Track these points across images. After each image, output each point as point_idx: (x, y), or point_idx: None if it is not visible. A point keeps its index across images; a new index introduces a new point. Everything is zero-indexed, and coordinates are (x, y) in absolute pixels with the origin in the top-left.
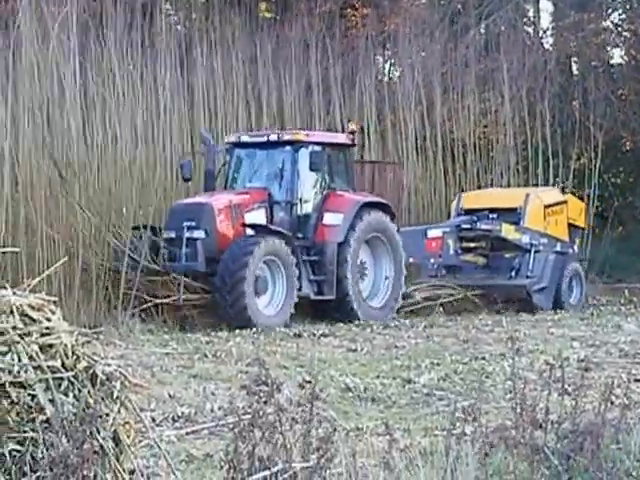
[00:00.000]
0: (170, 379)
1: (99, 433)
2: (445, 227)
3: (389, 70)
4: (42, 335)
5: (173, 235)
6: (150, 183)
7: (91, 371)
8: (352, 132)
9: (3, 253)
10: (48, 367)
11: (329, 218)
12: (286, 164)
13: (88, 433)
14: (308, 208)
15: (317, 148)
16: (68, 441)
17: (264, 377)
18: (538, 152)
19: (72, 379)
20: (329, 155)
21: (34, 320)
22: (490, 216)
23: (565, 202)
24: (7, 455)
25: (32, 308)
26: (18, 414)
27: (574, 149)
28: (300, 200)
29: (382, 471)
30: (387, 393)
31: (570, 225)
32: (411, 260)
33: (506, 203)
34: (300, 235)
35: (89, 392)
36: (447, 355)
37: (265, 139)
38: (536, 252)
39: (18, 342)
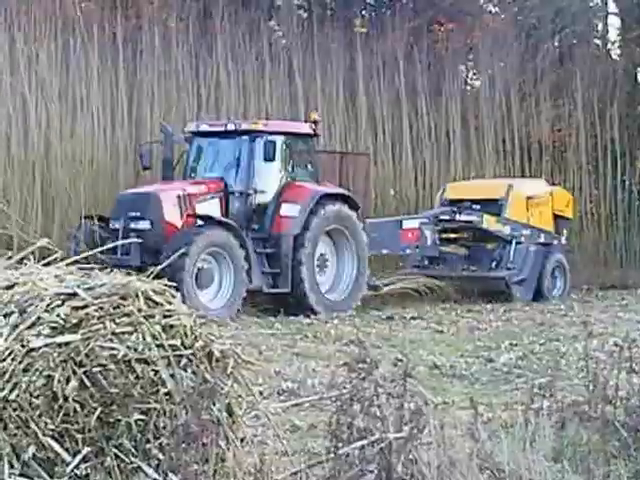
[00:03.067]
0: (275, 357)
1: (214, 405)
2: (422, 218)
3: (472, 80)
4: (164, 317)
5: (118, 225)
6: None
7: (207, 349)
8: (314, 122)
9: None
10: (169, 345)
11: (286, 209)
12: (243, 154)
13: (205, 405)
14: (265, 199)
15: (272, 138)
16: (187, 412)
17: (363, 356)
18: (607, 153)
19: (190, 356)
20: (289, 145)
21: (157, 303)
22: (473, 207)
23: (550, 193)
24: (133, 424)
25: (155, 292)
26: (142, 387)
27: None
28: (256, 190)
29: (467, 441)
30: (470, 371)
31: (556, 216)
32: (385, 252)
33: (488, 194)
34: (256, 226)
35: (205, 368)
36: (524, 337)
37: (223, 128)
38: (518, 243)
39: (143, 323)
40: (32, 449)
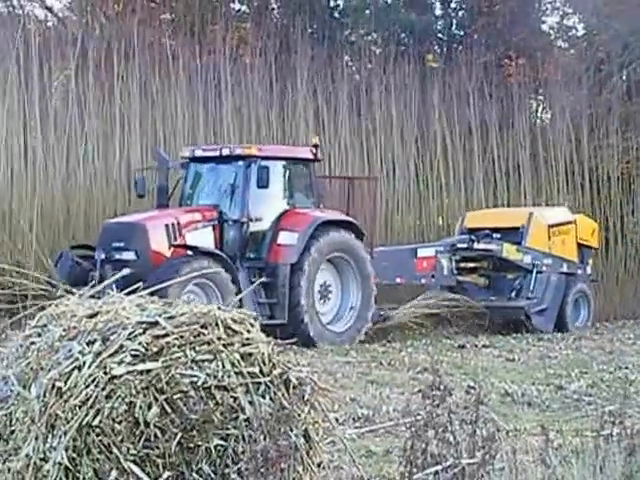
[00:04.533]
0: (351, 384)
1: (292, 431)
2: (438, 246)
3: (541, 113)
4: (243, 345)
5: (103, 256)
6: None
7: (285, 377)
8: (315, 146)
9: None
10: (248, 373)
11: (283, 237)
12: (238, 180)
13: (283, 431)
14: (262, 226)
15: (266, 163)
16: (265, 438)
17: (437, 383)
18: None
19: (268, 383)
20: (287, 170)
21: (236, 332)
22: (493, 235)
23: (573, 222)
24: (212, 449)
25: (234, 321)
26: (222, 413)
27: None
28: (252, 218)
29: (539, 467)
30: (541, 398)
31: (580, 245)
32: (398, 280)
33: (509, 222)
34: (252, 255)
35: (283, 395)
36: (594, 365)
37: (218, 153)
38: (539, 272)
39: (222, 351)
40: (114, 474)
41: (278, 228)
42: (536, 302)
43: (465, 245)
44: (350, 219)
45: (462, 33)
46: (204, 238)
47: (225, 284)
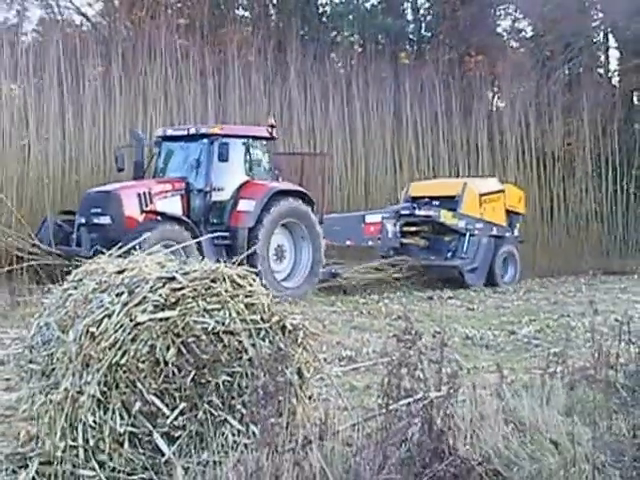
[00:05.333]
0: (336, 330)
1: (287, 369)
2: (384, 213)
3: (496, 102)
4: (246, 296)
5: (83, 220)
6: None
7: (282, 323)
8: (271, 125)
9: None
10: (251, 320)
11: (242, 205)
12: (202, 155)
13: (280, 369)
14: (224, 196)
15: (227, 140)
16: (265, 375)
17: (409, 329)
18: (608, 162)
19: (268, 329)
20: (246, 147)
21: (240, 285)
22: (432, 203)
23: (502, 191)
24: (221, 384)
25: (239, 277)
26: (229, 354)
27: (635, 159)
28: (214, 188)
29: (495, 399)
30: (497, 341)
31: (509, 211)
32: (348, 243)
33: (446, 192)
34: (215, 221)
35: (280, 339)
36: (541, 313)
37: (186, 132)
38: (471, 236)
39: (229, 302)
40: (138, 404)
41: (238, 197)
42: (469, 261)
43: (408, 212)
44: (301, 189)
45: (430, 34)
46: (173, 205)
47: (189, 245)
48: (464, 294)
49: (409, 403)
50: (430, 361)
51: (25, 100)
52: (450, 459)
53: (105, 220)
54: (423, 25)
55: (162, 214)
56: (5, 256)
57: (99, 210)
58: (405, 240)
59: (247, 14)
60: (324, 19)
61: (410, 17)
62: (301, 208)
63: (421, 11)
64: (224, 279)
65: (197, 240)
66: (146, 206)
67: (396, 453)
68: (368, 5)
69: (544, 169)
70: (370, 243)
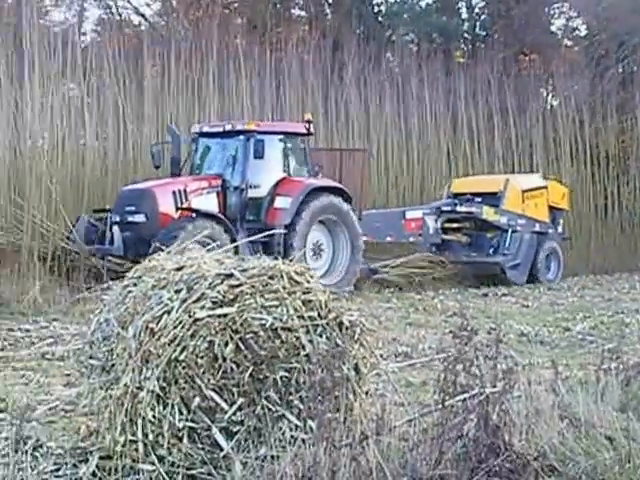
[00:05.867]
0: (392, 326)
1: (344, 365)
2: (425, 209)
3: (550, 100)
4: (304, 293)
5: (117, 219)
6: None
7: (339, 320)
8: (308, 121)
9: None
10: (308, 316)
11: (279, 202)
12: (238, 152)
13: (337, 365)
14: (260, 193)
15: (263, 137)
16: (322, 371)
17: (465, 325)
18: None
19: (325, 325)
20: (284, 143)
21: (298, 282)
22: (474, 199)
23: (545, 187)
24: (278, 380)
25: (297, 273)
26: (286, 350)
27: None
28: (251, 185)
29: (549, 395)
30: (551, 338)
31: (552, 208)
32: (389, 239)
33: (489, 188)
34: (252, 218)
35: (337, 335)
36: (595, 310)
37: (222, 129)
38: (513, 232)
39: (286, 298)
40: (197, 400)
41: (274, 194)
42: (511, 258)
43: (449, 208)
44: (339, 185)
45: (484, 33)
46: (209, 203)
47: (224, 243)
48: (519, 291)
49: (465, 399)
50: (486, 357)
51: (83, 100)
52: (506, 454)
53: (139, 218)
54: (478, 24)
55: (197, 211)
56: (64, 256)
57: (133, 208)
58: (447, 236)
59: (303, 13)
60: (380, 18)
61: (465, 16)
62: (339, 204)
63: (476, 10)
64: (282, 276)
65: (250, 239)
66: (181, 203)
67: (452, 448)
68: (423, 4)
69: (598, 167)
70: (411, 239)
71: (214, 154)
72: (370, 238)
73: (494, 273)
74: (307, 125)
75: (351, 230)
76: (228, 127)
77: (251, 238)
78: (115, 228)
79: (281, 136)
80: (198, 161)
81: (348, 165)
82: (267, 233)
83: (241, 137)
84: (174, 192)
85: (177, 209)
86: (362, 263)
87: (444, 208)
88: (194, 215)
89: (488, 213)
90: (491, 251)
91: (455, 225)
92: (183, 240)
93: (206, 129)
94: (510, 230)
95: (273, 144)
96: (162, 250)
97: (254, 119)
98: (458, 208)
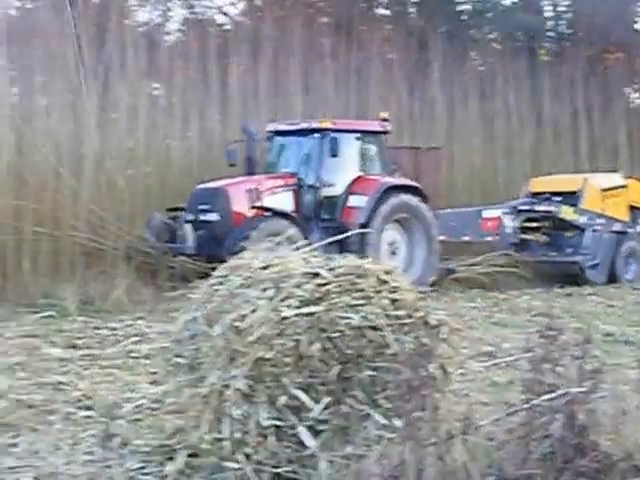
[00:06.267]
0: (477, 325)
1: (430, 364)
2: (503, 208)
3: (635, 98)
4: (391, 292)
5: (190, 217)
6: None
7: (425, 319)
8: (384, 120)
9: None
10: (395, 316)
11: (354, 200)
12: (313, 150)
13: (423, 364)
14: (336, 191)
15: (338, 135)
16: (409, 370)
17: (551, 325)
18: None
19: (411, 325)
20: (359, 142)
21: (385, 281)
22: (553, 198)
23: (625, 186)
24: (365, 379)
25: (384, 272)
26: (373, 349)
27: None
28: (325, 184)
29: (635, 395)
30: (637, 337)
31: (632, 207)
32: (465, 238)
33: (567, 187)
34: (327, 217)
35: (423, 334)
36: None
37: (297, 127)
38: (593, 231)
39: (373, 297)
40: (284, 398)
41: (349, 192)
42: (590, 257)
43: (527, 207)
44: (415, 184)
45: (569, 31)
46: (284, 201)
47: (298, 240)
48: (603, 290)
49: (551, 399)
50: (572, 357)
51: (169, 99)
52: (592, 454)
53: (212, 217)
54: (562, 22)
55: (271, 210)
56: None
57: (207, 207)
58: (525, 236)
59: (387, 12)
60: (463, 17)
61: (549, 14)
62: (414, 203)
63: (560, 8)
64: (369, 275)
65: (340, 237)
66: (255, 202)
67: (538, 448)
68: (507, 2)
69: None
70: (488, 239)
71: (289, 152)
72: (446, 237)
73: (573, 273)
74: (383, 123)
75: (427, 229)
76: (303, 125)
77: (334, 238)
78: (188, 226)
79: (357, 134)
80: (273, 159)
81: (424, 164)
82: (352, 232)
83: (316, 135)
84: (248, 191)
85: (251, 208)
86: (439, 262)
87: (522, 207)
88: (268, 214)
89: (567, 212)
90: (570, 251)
91: (533, 224)
92: (255, 239)
93: (281, 127)
94: (589, 229)
95: (348, 142)
96: (235, 251)
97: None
98: (536, 207)
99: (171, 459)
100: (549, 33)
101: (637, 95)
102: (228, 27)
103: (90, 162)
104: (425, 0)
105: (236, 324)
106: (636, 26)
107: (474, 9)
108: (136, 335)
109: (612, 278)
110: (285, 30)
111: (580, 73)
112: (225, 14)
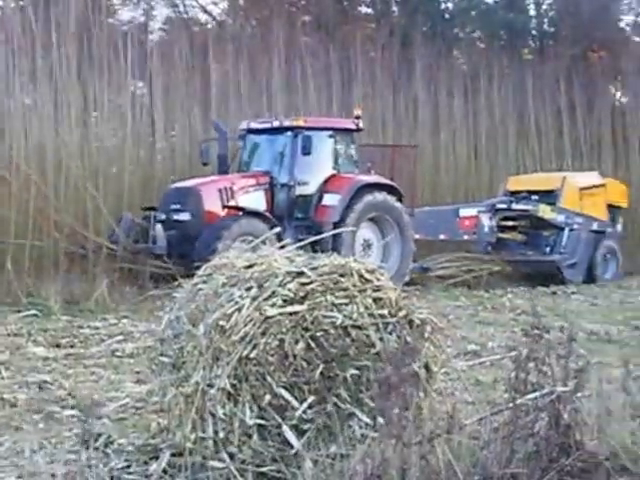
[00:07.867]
0: (461, 324)
1: (414, 363)
2: (480, 207)
3: (619, 97)
4: (374, 291)
5: (162, 217)
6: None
7: (409, 318)
8: (357, 117)
9: None
10: (378, 314)
11: (327, 199)
12: (286, 149)
13: (407, 363)
14: (309, 190)
15: (310, 133)
16: (392, 368)
17: (535, 323)
18: None
19: (395, 323)
20: (333, 139)
21: (368, 280)
22: (530, 197)
23: (603, 185)
24: (349, 378)
25: (367, 271)
26: (356, 348)
27: None
28: (299, 182)
29: (620, 394)
30: (621, 336)
31: (610, 206)
32: (442, 237)
33: (545, 186)
34: (300, 215)
35: (407, 333)
36: None
37: (270, 125)
38: (571, 230)
39: (356, 296)
40: (268, 397)
41: (323, 191)
42: (568, 256)
43: (505, 206)
44: (390, 182)
45: (552, 30)
46: (257, 200)
47: (270, 241)
48: (588, 289)
49: (536, 397)
50: (557, 356)
51: (152, 98)
52: (577, 453)
53: (184, 216)
54: (546, 21)
55: (243, 209)
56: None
57: (179, 206)
58: (502, 235)
59: (369, 10)
60: (447, 15)
61: (533, 12)
62: (389, 202)
63: (543, 6)
64: (352, 274)
65: (314, 239)
66: (228, 201)
67: (523, 447)
68: (490, 0)
69: None
70: (465, 237)
71: (262, 151)
72: (422, 236)
73: (550, 272)
74: (356, 120)
75: (401, 228)
76: (276, 123)
77: (316, 237)
78: (158, 226)
79: (330, 132)
80: (246, 158)
81: (399, 161)
82: (334, 232)
83: (289, 133)
84: (220, 190)
85: (224, 207)
86: (413, 261)
87: (499, 206)
88: (240, 213)
89: (544, 211)
90: (547, 250)
91: (511, 223)
92: (227, 239)
93: (254, 125)
94: (567, 228)
95: (321, 140)
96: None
97: (321, 113)
98: (514, 206)
99: (155, 458)
100: (532, 32)
101: (621, 93)
102: (211, 26)
103: (72, 160)
104: None
105: (220, 323)
106: (620, 24)
107: (457, 8)
108: (120, 334)
109: (590, 277)
110: (267, 29)
111: (564, 72)
112: (208, 13)
